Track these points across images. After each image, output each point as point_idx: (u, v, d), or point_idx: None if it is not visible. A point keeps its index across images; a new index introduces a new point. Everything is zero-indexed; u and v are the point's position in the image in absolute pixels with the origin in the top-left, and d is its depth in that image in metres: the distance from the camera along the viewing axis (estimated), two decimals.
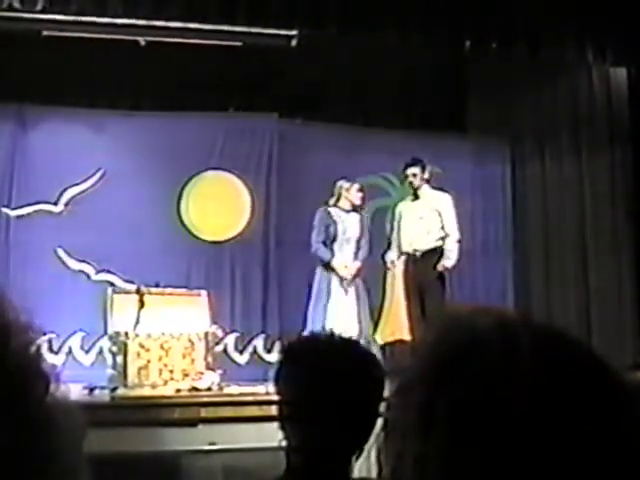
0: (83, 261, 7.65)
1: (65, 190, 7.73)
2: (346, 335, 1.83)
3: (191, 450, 5.37)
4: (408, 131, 8.30)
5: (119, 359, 6.31)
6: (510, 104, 8.76)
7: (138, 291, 6.53)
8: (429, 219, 6.93)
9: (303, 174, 7.80)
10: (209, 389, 6.05)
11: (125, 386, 6.14)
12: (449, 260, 6.88)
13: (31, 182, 7.65)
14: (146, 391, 6.12)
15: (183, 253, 7.84)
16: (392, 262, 7.23)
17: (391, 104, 8.41)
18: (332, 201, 7.08)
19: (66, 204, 7.74)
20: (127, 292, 6.80)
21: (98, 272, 7.66)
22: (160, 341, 6.41)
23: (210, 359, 6.54)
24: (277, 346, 7.51)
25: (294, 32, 7.47)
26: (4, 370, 0.70)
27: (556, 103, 8.91)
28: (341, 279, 6.85)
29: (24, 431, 0.69)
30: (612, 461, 0.63)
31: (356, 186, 7.12)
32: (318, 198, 7.23)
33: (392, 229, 7.25)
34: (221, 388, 6.13)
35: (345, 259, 6.93)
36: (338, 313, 6.72)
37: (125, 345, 6.29)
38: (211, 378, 6.17)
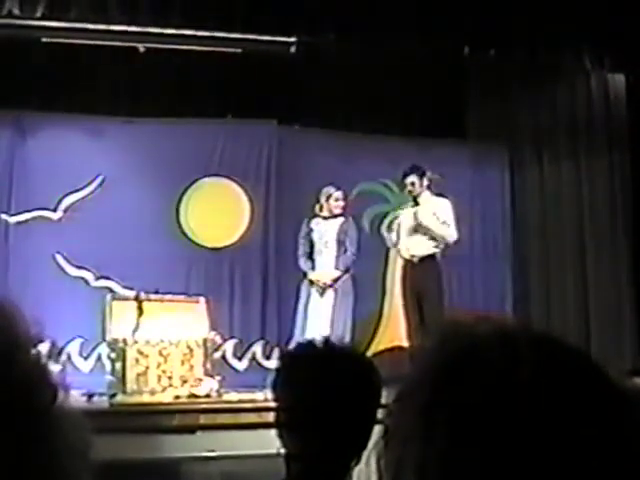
0: (82, 267, 7.64)
1: (64, 197, 7.73)
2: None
3: (190, 457, 5.36)
4: (407, 137, 8.31)
5: (118, 366, 6.30)
6: (509, 110, 8.77)
7: (137, 297, 6.53)
8: (428, 225, 6.90)
9: (302, 180, 7.81)
10: (208, 396, 6.05)
11: (124, 393, 6.13)
12: (435, 248, 6.87)
13: (30, 189, 7.65)
14: (145, 398, 6.12)
15: (182, 260, 7.84)
16: (391, 268, 7.24)
17: (390, 110, 8.42)
18: (317, 209, 7.23)
19: (65, 210, 7.73)
20: (126, 298, 6.79)
21: (97, 278, 7.65)
22: (159, 347, 6.40)
23: (209, 365, 6.54)
24: (276, 352, 7.52)
25: (293, 39, 7.49)
26: (12, 380, 0.70)
27: (555, 109, 8.92)
28: (317, 287, 7.00)
29: (31, 441, 0.69)
30: (611, 466, 0.64)
31: (337, 194, 7.17)
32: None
33: (391, 235, 7.24)
34: (220, 395, 6.12)
35: (324, 267, 7.06)
36: (313, 320, 6.83)
37: (124, 351, 6.28)
38: (210, 385, 6.16)
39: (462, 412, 0.65)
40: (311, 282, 7.07)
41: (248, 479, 4.84)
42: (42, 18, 6.82)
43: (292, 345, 2.03)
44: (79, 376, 7.04)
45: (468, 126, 8.88)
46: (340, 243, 7.11)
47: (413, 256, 6.90)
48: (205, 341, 6.61)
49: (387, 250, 7.83)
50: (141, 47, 7.55)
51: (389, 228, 7.28)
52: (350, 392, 1.66)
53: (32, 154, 7.73)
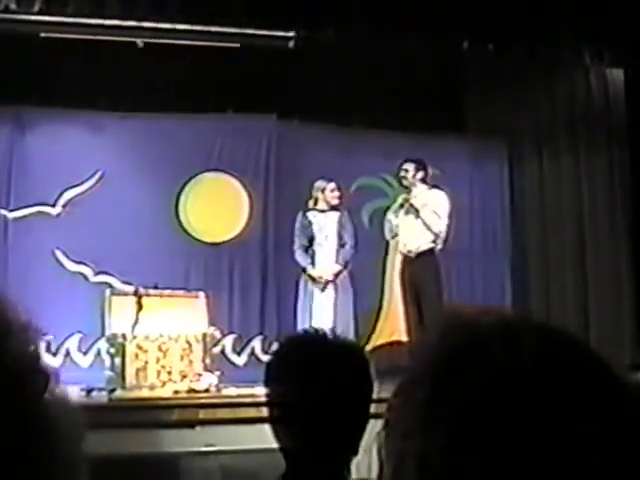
0: (81, 263, 7.64)
1: (63, 192, 7.73)
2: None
3: (189, 452, 5.37)
4: (406, 132, 8.31)
5: (117, 361, 6.30)
6: (508, 105, 8.77)
7: (136, 293, 6.53)
8: (424, 219, 6.87)
9: (301, 175, 7.80)
10: (207, 390, 6.05)
11: (123, 388, 6.13)
12: (430, 244, 6.83)
13: (29, 184, 7.65)
14: (144, 393, 6.12)
15: (181, 255, 7.84)
16: (390, 263, 7.24)
17: (389, 105, 8.41)
18: (311, 203, 7.19)
19: (64, 206, 7.73)
20: (125, 294, 6.79)
21: (96, 274, 7.65)
22: (158, 343, 6.40)
23: (208, 360, 6.54)
24: (275, 347, 7.52)
25: (292, 33, 7.47)
26: (1, 367, 0.70)
27: (554, 104, 8.92)
28: (318, 282, 6.94)
29: (23, 428, 0.69)
30: (613, 459, 0.64)
31: (331, 186, 7.15)
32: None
33: (389, 230, 7.20)
34: (219, 390, 6.13)
35: (325, 261, 7.01)
36: (315, 315, 6.79)
37: (123, 347, 6.29)
38: (209, 379, 6.17)
39: (463, 405, 0.65)
40: (311, 278, 7.02)
41: (247, 473, 4.85)
42: (40, 13, 6.81)
43: (282, 338, 2.01)
44: (78, 371, 7.05)
45: (467, 121, 8.88)
46: (339, 238, 7.11)
47: (410, 251, 6.89)
48: (204, 336, 6.61)
49: (387, 244, 7.83)
50: (140, 42, 7.54)
51: (387, 219, 7.21)
52: (342, 384, 1.66)
53: (31, 149, 7.73)
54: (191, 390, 6.03)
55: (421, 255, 6.83)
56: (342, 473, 1.68)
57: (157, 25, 7.23)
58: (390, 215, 7.09)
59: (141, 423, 5.44)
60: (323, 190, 7.15)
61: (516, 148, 8.94)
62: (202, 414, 5.58)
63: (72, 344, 7.49)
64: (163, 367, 6.36)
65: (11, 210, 7.65)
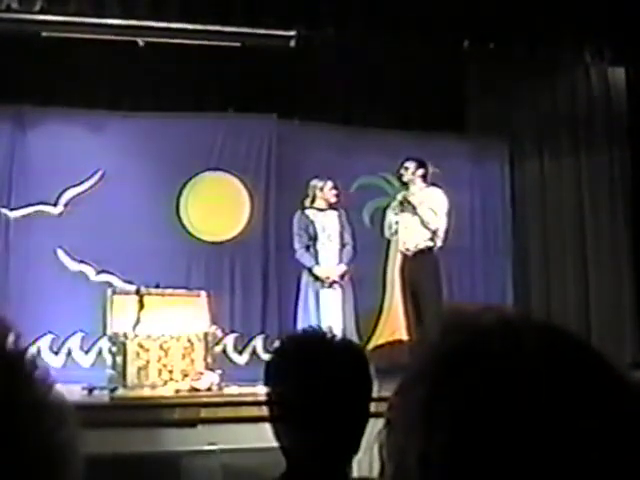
0: (83, 262, 7.65)
1: (64, 191, 7.73)
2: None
3: (191, 450, 5.37)
4: (407, 131, 8.31)
5: (118, 360, 6.31)
6: (509, 103, 8.76)
7: (138, 292, 6.53)
8: (422, 217, 6.86)
9: (302, 174, 7.80)
10: (209, 389, 6.06)
11: (124, 387, 6.14)
12: (429, 242, 6.82)
13: (30, 183, 7.65)
14: (145, 392, 6.12)
15: (182, 254, 7.84)
16: (391, 262, 7.23)
17: (390, 104, 8.41)
18: (307, 202, 7.11)
19: (65, 205, 7.74)
20: (127, 293, 6.79)
21: (98, 273, 7.66)
22: (159, 342, 6.41)
23: (209, 359, 6.54)
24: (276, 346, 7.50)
25: (293, 33, 7.47)
26: None
27: (554, 102, 8.92)
28: (324, 282, 6.87)
29: (16, 430, 0.69)
30: (614, 457, 0.64)
31: (329, 184, 7.09)
32: None
33: (388, 228, 7.18)
34: (220, 388, 6.13)
35: (329, 260, 6.95)
36: (322, 315, 6.73)
37: (124, 346, 6.29)
38: (210, 378, 6.17)
39: (464, 403, 0.65)
40: (315, 277, 6.91)
41: (249, 472, 4.85)
42: (41, 12, 6.81)
43: (282, 337, 2.01)
44: (80, 370, 7.07)
45: (468, 119, 8.88)
46: (341, 237, 7.08)
47: (408, 249, 6.88)
48: (206, 335, 6.61)
49: (388, 243, 7.83)
50: (141, 41, 7.54)
51: (386, 217, 7.20)
52: (342, 382, 1.66)
53: (32, 149, 7.73)
54: (192, 389, 6.03)
55: (419, 253, 6.82)
56: (343, 472, 1.68)
57: (158, 24, 7.23)
58: (389, 213, 7.07)
59: (142, 422, 5.44)
60: (322, 188, 7.08)
61: (517, 147, 8.93)
62: (203, 413, 5.58)
63: (74, 343, 7.49)
64: (164, 366, 6.37)
65: (12, 209, 7.65)
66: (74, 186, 7.76)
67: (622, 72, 8.78)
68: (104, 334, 6.88)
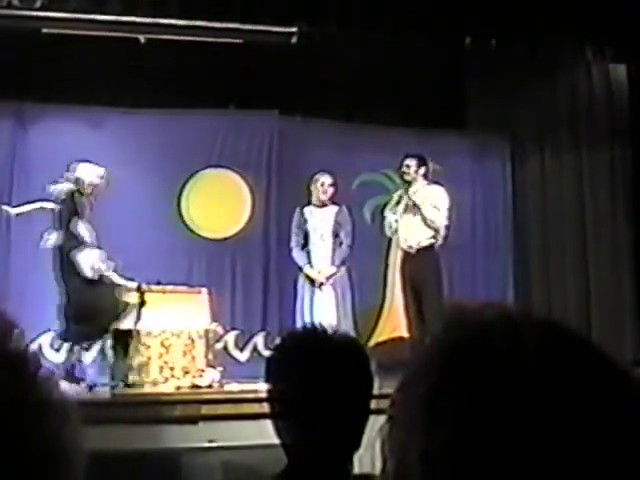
0: None
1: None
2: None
3: (191, 447, 5.37)
4: (408, 128, 8.30)
5: (120, 356, 6.31)
6: (510, 101, 8.76)
7: (139, 289, 6.54)
8: (424, 214, 6.85)
9: (303, 171, 7.79)
10: (209, 386, 6.07)
11: (125, 384, 6.14)
12: (431, 239, 6.81)
13: (31, 180, 7.64)
14: (146, 388, 6.13)
15: (184, 251, 7.85)
16: (392, 259, 7.23)
17: (391, 101, 8.41)
18: (310, 198, 7.10)
19: None
20: (128, 289, 6.80)
21: None
22: (161, 338, 6.41)
23: (210, 356, 6.55)
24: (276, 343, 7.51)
25: (294, 29, 7.46)
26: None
27: (556, 100, 8.91)
28: (315, 282, 6.87)
29: (16, 409, 0.69)
30: (615, 454, 0.64)
31: (323, 179, 7.03)
32: None
33: (389, 226, 7.18)
34: (221, 385, 6.14)
35: (321, 261, 6.92)
36: (315, 315, 6.73)
37: (126, 342, 6.29)
38: (211, 375, 6.18)
39: (465, 400, 0.65)
40: (308, 277, 6.93)
41: (249, 469, 4.85)
42: (41, 9, 6.81)
43: (283, 334, 2.01)
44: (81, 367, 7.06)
45: (469, 117, 8.88)
46: (335, 236, 7.03)
47: (410, 247, 6.87)
48: (207, 332, 6.62)
49: (389, 241, 7.82)
50: (142, 38, 7.53)
51: (386, 215, 7.20)
52: (343, 379, 1.66)
53: (33, 145, 7.73)
54: (193, 386, 6.04)
55: (421, 250, 6.82)
56: (344, 468, 1.68)
57: (159, 21, 7.23)
58: (388, 211, 7.07)
59: (143, 419, 5.44)
60: (315, 184, 7.05)
61: (518, 144, 8.93)
62: (204, 410, 5.58)
63: None
64: (166, 363, 6.37)
65: (13, 206, 7.64)
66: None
67: (623, 69, 8.76)
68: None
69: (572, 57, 8.40)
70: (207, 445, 5.39)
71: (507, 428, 0.64)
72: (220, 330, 6.99)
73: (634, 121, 8.65)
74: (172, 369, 6.36)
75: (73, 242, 6.37)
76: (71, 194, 6.50)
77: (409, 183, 6.96)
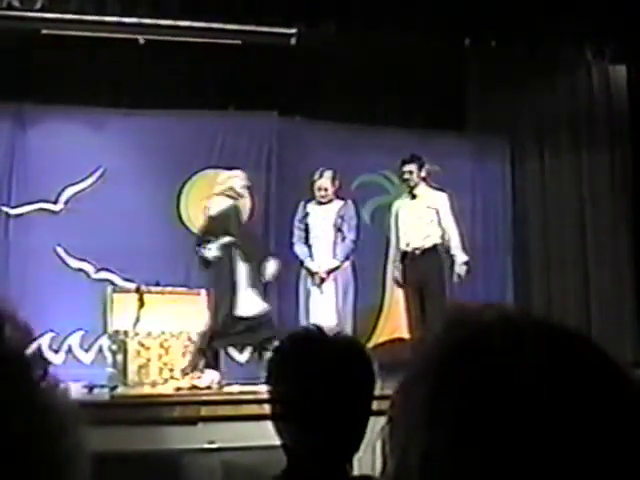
0: (83, 260, 7.64)
1: (64, 189, 7.73)
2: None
3: (191, 449, 5.37)
4: (407, 129, 8.30)
5: (119, 358, 6.31)
6: (509, 102, 8.76)
7: (138, 290, 6.54)
8: (426, 218, 6.89)
9: (302, 172, 7.79)
10: (209, 387, 6.06)
11: (125, 385, 6.15)
12: (461, 267, 6.86)
13: (30, 181, 7.65)
14: (146, 390, 6.13)
15: (183, 252, 7.83)
16: (393, 261, 7.23)
17: (390, 102, 8.41)
18: (313, 194, 7.07)
19: (66, 203, 7.74)
20: (127, 291, 6.80)
21: (98, 271, 7.65)
22: (160, 340, 6.41)
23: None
24: (277, 344, 7.50)
25: (293, 30, 7.47)
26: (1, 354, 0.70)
27: (555, 101, 8.90)
28: (315, 278, 6.85)
29: (20, 418, 0.69)
30: (617, 454, 0.63)
31: (321, 176, 6.96)
32: None
33: (390, 227, 7.20)
34: (221, 386, 6.13)
35: (321, 256, 6.90)
36: (316, 312, 6.72)
37: (125, 344, 6.30)
38: (211, 376, 6.17)
39: (466, 401, 0.65)
40: (309, 271, 6.91)
41: (249, 470, 4.85)
42: (42, 10, 6.82)
43: (285, 335, 2.00)
44: (80, 368, 7.06)
45: (469, 118, 8.88)
46: (338, 230, 7.01)
47: (414, 249, 6.88)
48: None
49: (387, 241, 7.82)
50: (141, 39, 7.54)
51: (388, 219, 7.20)
52: (344, 381, 1.66)
53: (33, 146, 7.73)
54: (193, 387, 6.03)
55: (425, 252, 6.84)
56: (343, 470, 1.68)
57: (158, 22, 7.24)
58: (392, 213, 7.09)
59: (143, 420, 5.44)
60: (314, 180, 7.00)
61: (518, 145, 8.93)
62: (204, 411, 5.58)
63: (74, 341, 7.49)
64: (165, 364, 6.37)
65: (13, 207, 7.65)
66: (74, 184, 7.76)
67: (623, 70, 8.77)
68: (104, 332, 6.89)
69: (572, 58, 8.41)
70: (206, 446, 5.39)
71: (507, 428, 0.64)
72: None
73: (634, 122, 8.65)
74: (171, 370, 6.36)
75: None
76: None
77: (412, 188, 6.97)
